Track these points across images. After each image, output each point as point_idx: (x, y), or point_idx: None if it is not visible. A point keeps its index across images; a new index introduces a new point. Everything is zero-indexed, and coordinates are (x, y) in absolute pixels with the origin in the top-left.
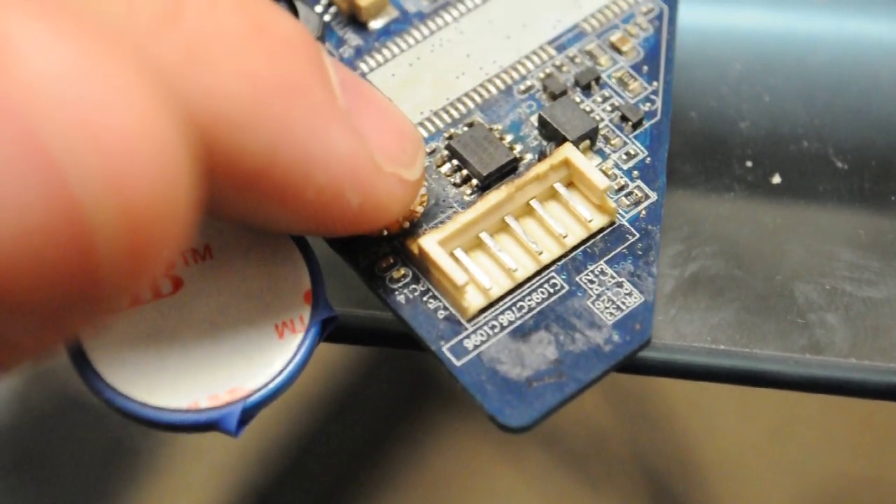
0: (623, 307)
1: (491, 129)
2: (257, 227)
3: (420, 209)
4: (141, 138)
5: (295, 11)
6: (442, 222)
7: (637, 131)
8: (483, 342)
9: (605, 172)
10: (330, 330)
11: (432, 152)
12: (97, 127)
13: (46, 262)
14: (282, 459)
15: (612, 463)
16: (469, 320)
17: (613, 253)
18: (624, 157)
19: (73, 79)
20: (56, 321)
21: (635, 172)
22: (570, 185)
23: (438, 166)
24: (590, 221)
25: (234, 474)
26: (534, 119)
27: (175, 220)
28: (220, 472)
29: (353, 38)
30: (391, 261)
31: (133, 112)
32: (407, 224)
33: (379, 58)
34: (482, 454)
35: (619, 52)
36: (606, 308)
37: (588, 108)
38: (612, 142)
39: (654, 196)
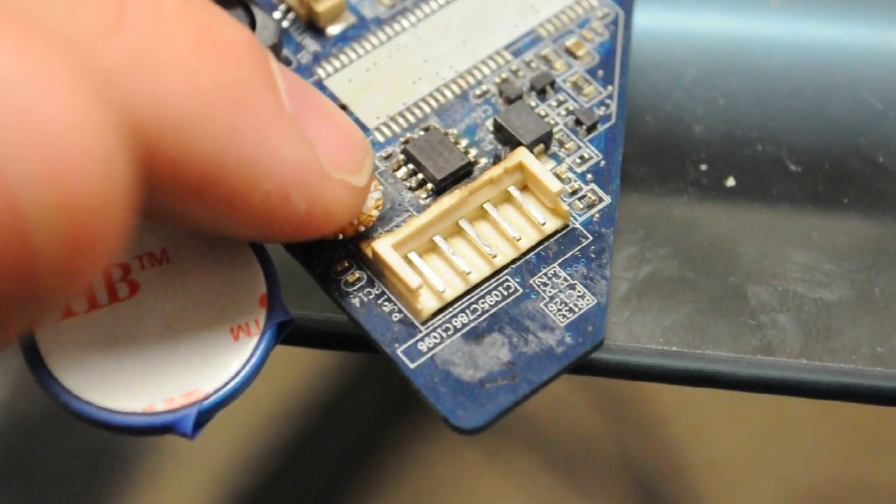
0: (576, 309)
1: (446, 134)
2: (206, 232)
3: (375, 213)
4: (78, 137)
5: (252, 17)
6: (397, 226)
7: (591, 135)
8: (437, 344)
9: (559, 176)
10: (286, 333)
11: (388, 157)
12: (34, 125)
13: None
14: (270, 465)
15: (600, 467)
16: (423, 323)
17: (567, 255)
18: (578, 160)
19: (11, 79)
20: None
21: (589, 176)
22: (524, 188)
23: (394, 170)
24: (543, 224)
25: (223, 481)
26: (489, 123)
27: (113, 219)
28: (210, 478)
29: (311, 44)
30: (346, 264)
31: (69, 111)
32: (362, 228)
33: (336, 63)
34: (471, 459)
35: (574, 56)
36: (559, 310)
37: (543, 113)
38: (567, 145)
39: (607, 199)
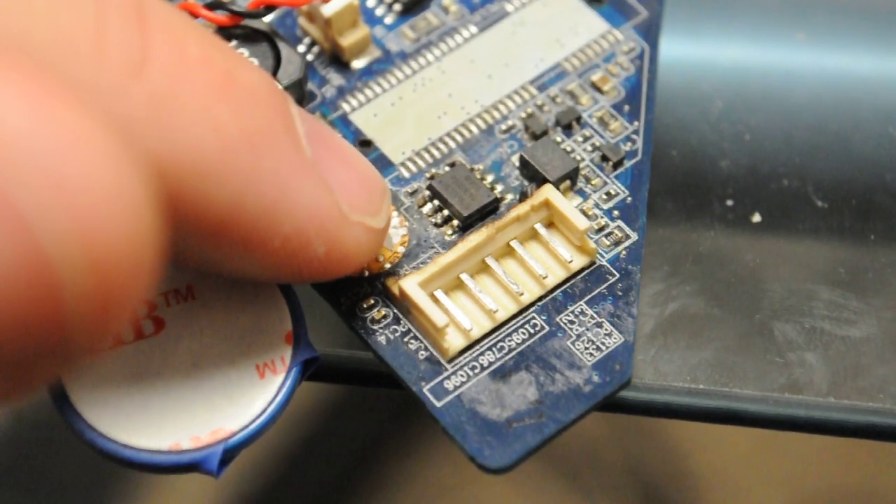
0: (603, 347)
1: (472, 170)
2: (226, 275)
3: (401, 250)
4: (105, 192)
5: (277, 52)
6: (423, 263)
7: (618, 171)
8: (463, 383)
9: (585, 213)
10: (311, 370)
11: (414, 192)
12: (63, 183)
13: (15, 313)
14: (275, 469)
15: (604, 473)
16: (449, 361)
17: (594, 293)
18: (604, 196)
19: (39, 136)
20: (26, 370)
21: (616, 212)
22: (550, 225)
23: (420, 206)
24: (570, 262)
25: (228, 486)
26: (515, 159)
27: (141, 270)
28: (214, 484)
29: (336, 78)
30: (372, 301)
31: (96, 166)
32: (388, 265)
33: (361, 97)
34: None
35: (600, 91)
36: (586, 349)
37: (569, 148)
38: (593, 182)
39: (634, 236)
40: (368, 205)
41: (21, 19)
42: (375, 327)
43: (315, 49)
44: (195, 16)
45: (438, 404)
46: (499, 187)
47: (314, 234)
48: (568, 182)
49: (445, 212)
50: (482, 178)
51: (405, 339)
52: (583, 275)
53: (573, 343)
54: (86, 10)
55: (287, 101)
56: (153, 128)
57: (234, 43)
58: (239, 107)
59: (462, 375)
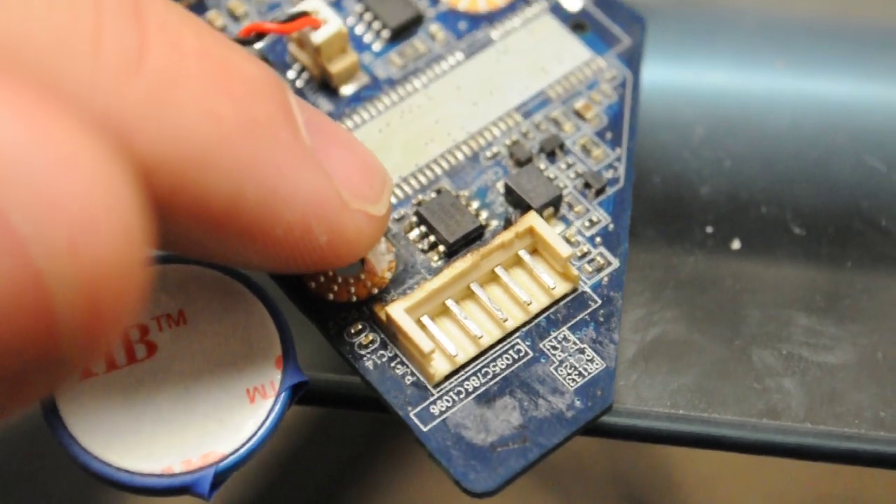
0: (585, 373)
1: (458, 196)
2: (230, 264)
3: (388, 275)
4: (97, 209)
5: None
6: (410, 288)
7: (600, 198)
8: (449, 408)
9: (568, 239)
10: (300, 394)
11: (401, 218)
12: (56, 200)
13: (9, 328)
14: (265, 491)
15: (591, 486)
16: (435, 386)
17: (576, 319)
18: (587, 223)
19: (32, 153)
20: (18, 385)
21: (598, 239)
22: (534, 252)
23: (406, 232)
24: (553, 289)
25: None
26: (500, 185)
27: (132, 283)
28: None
29: (325, 104)
30: (360, 326)
31: (88, 184)
32: (375, 290)
33: (349, 123)
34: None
35: (583, 118)
36: (569, 374)
37: (552, 175)
38: (576, 209)
39: (616, 263)
40: (369, 191)
41: (19, 19)
42: (363, 352)
43: (304, 75)
44: None
45: (424, 429)
46: (484, 214)
47: (315, 223)
48: (551, 209)
49: (432, 238)
50: (467, 205)
51: (392, 364)
52: (566, 301)
53: (556, 369)
54: (83, 8)
55: (285, 91)
56: (152, 122)
57: None
58: (237, 97)
59: (448, 400)
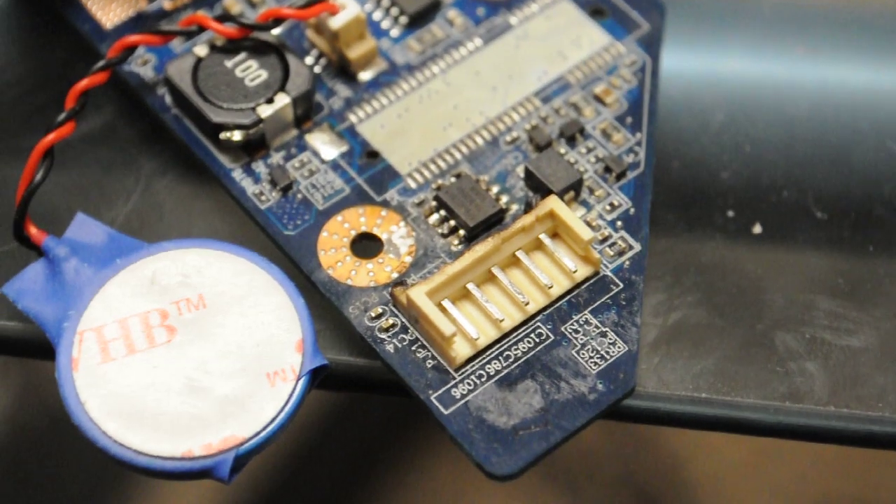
0: (607, 356)
1: (478, 181)
2: None
3: (408, 259)
4: None
5: (286, 64)
6: (430, 272)
7: (621, 182)
8: (470, 391)
9: (589, 223)
10: (321, 378)
11: (421, 203)
12: None
13: None
14: (284, 475)
15: (602, 482)
16: (457, 369)
17: (598, 303)
18: (608, 207)
19: None
20: None
21: (619, 223)
22: (555, 236)
23: (427, 217)
24: (574, 272)
25: (236, 493)
26: (520, 170)
27: None
28: (221, 490)
29: (343, 90)
30: (381, 311)
31: None
32: (395, 274)
33: (368, 109)
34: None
35: (603, 103)
36: (591, 357)
37: (573, 160)
38: (597, 193)
39: (637, 247)
40: None
41: None
42: (384, 336)
43: (322, 61)
44: (205, 27)
45: (446, 412)
46: (504, 198)
47: None
48: (572, 193)
49: (452, 222)
50: (487, 189)
51: (413, 348)
52: (587, 285)
53: (578, 352)
54: None
55: None
56: None
57: (242, 55)
58: None
59: (469, 384)
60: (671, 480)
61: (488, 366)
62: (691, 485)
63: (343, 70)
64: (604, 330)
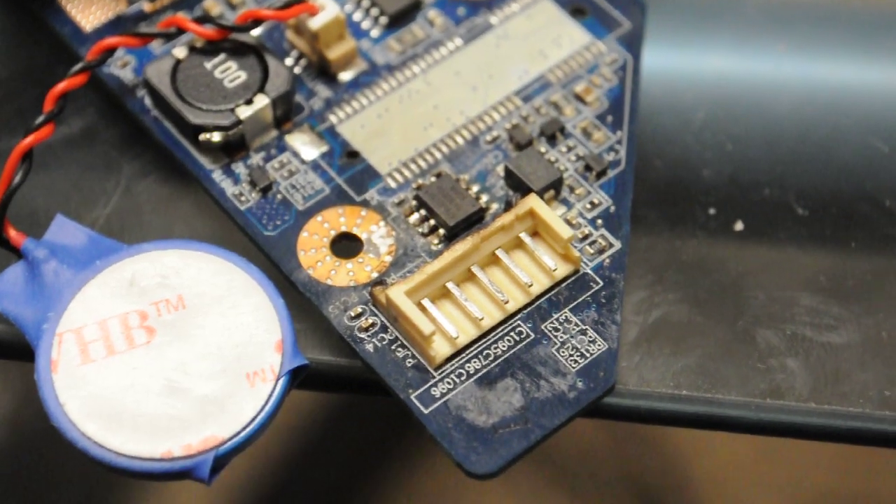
0: (587, 354)
1: (458, 180)
2: None
3: (388, 259)
4: None
5: (265, 65)
6: (410, 272)
7: (601, 180)
8: (450, 390)
9: (569, 222)
10: (301, 378)
11: (401, 202)
12: None
13: None
14: (266, 476)
15: (602, 481)
16: (436, 368)
17: (578, 301)
18: (588, 206)
19: None
20: None
21: (599, 221)
22: (535, 234)
23: (407, 216)
24: (554, 270)
25: (219, 494)
26: (500, 169)
27: None
28: (205, 492)
29: (323, 90)
30: (360, 310)
31: None
32: (375, 273)
33: (348, 109)
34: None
35: (583, 102)
36: (571, 356)
37: (553, 158)
38: (577, 191)
39: (617, 244)
40: None
41: None
42: (363, 336)
43: (302, 62)
44: (184, 29)
45: (426, 411)
46: (484, 197)
47: None
48: (552, 192)
49: (432, 221)
50: (468, 189)
51: (393, 348)
52: (567, 283)
53: (558, 350)
54: None
55: None
56: None
57: (222, 56)
58: None
59: (449, 382)
60: (671, 480)
61: (468, 364)
62: (692, 484)
63: (323, 70)
64: (584, 328)
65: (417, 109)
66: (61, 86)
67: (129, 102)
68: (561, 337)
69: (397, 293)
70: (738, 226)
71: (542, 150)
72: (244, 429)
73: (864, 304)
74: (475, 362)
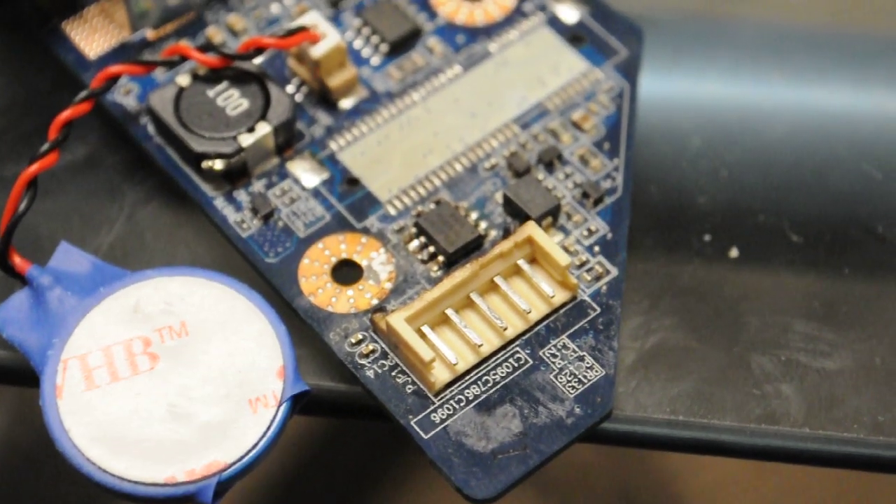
0: (585, 380)
1: (457, 207)
2: None
3: (388, 285)
4: None
5: (267, 92)
6: (410, 298)
7: (598, 207)
8: (450, 416)
9: (566, 249)
10: (302, 403)
11: (401, 230)
12: None
13: None
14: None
15: (596, 496)
16: (436, 394)
17: (575, 327)
18: (585, 233)
19: None
20: None
21: (596, 248)
22: (533, 261)
23: (406, 243)
24: (552, 297)
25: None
26: (498, 196)
27: None
28: None
29: (324, 118)
30: (361, 337)
31: None
32: (375, 300)
33: (349, 136)
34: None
35: (581, 129)
36: (569, 381)
37: (551, 185)
38: (574, 218)
39: (614, 271)
40: None
41: None
42: (364, 362)
43: (304, 89)
44: (187, 57)
45: (426, 437)
46: (483, 224)
47: None
48: (550, 219)
49: (431, 248)
50: (466, 216)
51: (393, 374)
52: (565, 309)
53: (556, 376)
54: None
55: None
56: None
57: (224, 84)
58: None
59: (448, 408)
60: (665, 494)
61: (467, 390)
62: (685, 498)
63: (324, 98)
64: (581, 354)
65: (417, 136)
66: (66, 114)
67: (132, 130)
68: (559, 363)
69: (397, 320)
70: (734, 252)
71: (540, 177)
72: (247, 454)
73: (857, 329)
74: (474, 388)
